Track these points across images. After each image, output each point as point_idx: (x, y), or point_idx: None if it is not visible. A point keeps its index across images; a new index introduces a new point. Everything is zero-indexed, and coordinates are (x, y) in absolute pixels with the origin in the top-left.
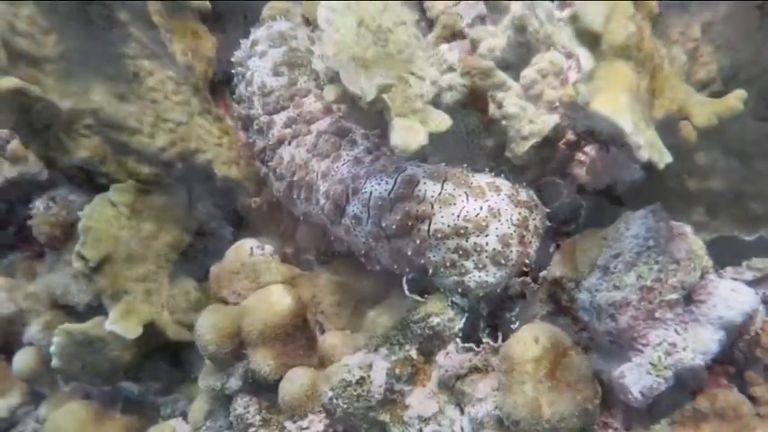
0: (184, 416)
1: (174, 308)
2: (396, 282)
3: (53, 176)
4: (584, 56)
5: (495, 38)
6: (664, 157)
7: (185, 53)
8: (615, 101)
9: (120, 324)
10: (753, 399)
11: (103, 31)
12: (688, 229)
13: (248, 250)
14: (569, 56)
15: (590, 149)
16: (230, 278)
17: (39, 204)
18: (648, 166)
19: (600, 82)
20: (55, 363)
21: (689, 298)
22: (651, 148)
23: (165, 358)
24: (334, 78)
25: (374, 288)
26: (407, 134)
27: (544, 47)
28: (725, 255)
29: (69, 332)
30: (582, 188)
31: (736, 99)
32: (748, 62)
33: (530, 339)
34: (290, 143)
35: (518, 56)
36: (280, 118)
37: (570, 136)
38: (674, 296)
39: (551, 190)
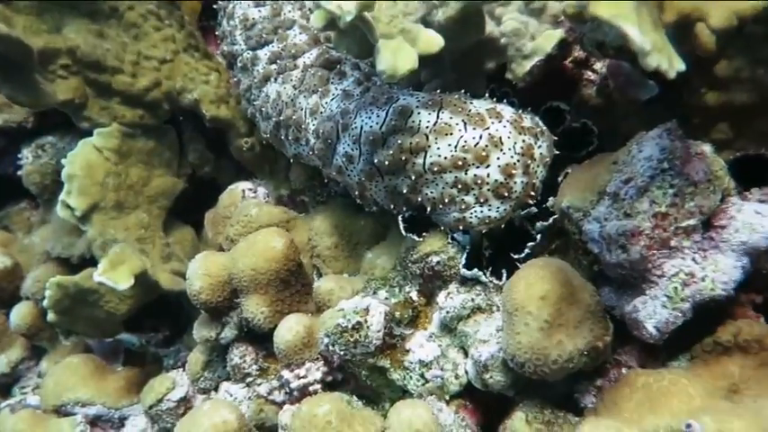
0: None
1: (169, 257)
2: (395, 221)
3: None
4: None
5: None
6: (675, 64)
7: None
8: (617, 2)
9: (110, 275)
10: None
11: None
12: (707, 148)
13: (241, 193)
14: None
15: (600, 67)
16: (224, 223)
17: (27, 153)
18: (663, 80)
19: None
20: (50, 316)
21: (708, 223)
22: (660, 54)
23: (166, 309)
24: (320, 3)
25: (372, 229)
26: (395, 57)
27: None
28: (751, 174)
29: (61, 284)
30: (592, 110)
31: None
32: None
33: (534, 276)
34: (275, 80)
35: None
36: (264, 53)
37: (578, 53)
38: (691, 222)
39: (558, 114)
